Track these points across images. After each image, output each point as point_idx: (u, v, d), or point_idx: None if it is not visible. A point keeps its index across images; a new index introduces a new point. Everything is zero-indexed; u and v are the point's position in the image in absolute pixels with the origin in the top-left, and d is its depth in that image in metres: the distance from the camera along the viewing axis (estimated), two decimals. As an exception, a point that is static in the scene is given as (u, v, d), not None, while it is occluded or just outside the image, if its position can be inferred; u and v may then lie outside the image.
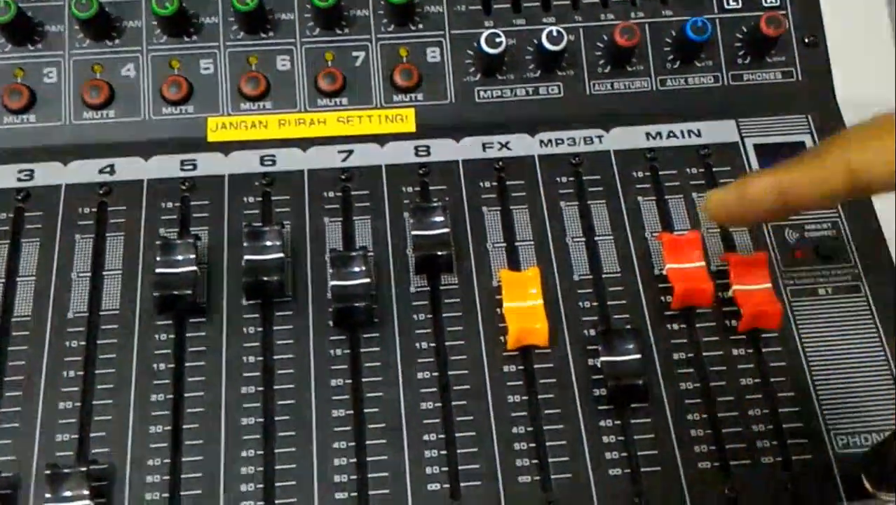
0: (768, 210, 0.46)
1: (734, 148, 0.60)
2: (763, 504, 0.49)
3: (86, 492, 0.46)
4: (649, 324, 0.54)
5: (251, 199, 0.57)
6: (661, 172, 0.59)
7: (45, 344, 0.52)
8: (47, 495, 0.46)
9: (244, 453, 0.49)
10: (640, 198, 0.58)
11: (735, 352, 0.53)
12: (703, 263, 0.54)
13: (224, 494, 0.48)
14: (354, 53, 0.62)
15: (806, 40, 0.63)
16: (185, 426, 0.50)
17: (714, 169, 0.59)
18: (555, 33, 0.59)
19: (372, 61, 0.62)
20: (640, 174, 0.59)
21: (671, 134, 0.61)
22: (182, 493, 0.48)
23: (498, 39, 0.59)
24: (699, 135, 0.61)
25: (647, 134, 0.60)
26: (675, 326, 0.54)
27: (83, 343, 0.52)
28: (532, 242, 0.56)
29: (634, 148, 0.60)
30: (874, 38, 0.65)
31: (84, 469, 0.46)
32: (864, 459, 0.49)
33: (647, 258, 0.56)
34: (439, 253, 0.54)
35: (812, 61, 0.63)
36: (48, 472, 0.46)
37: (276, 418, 0.50)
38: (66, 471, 0.46)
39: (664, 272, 0.55)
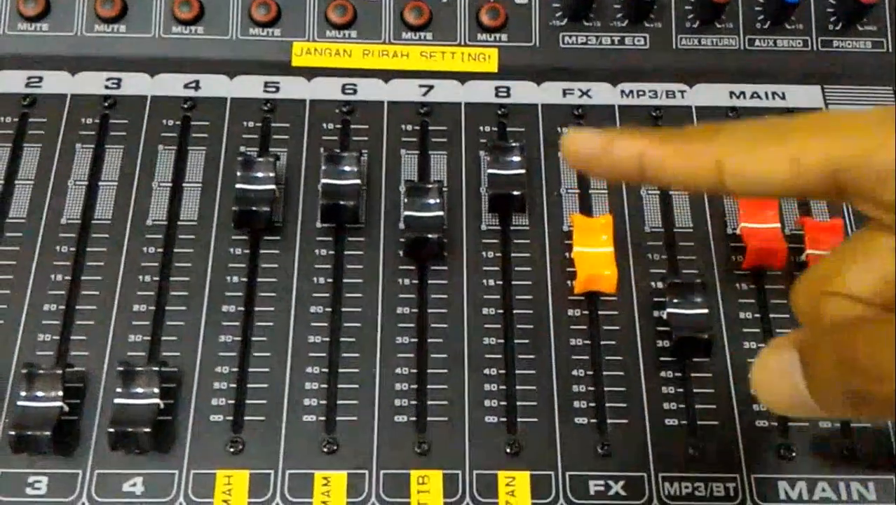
0: (626, 175, 0.38)
1: (818, 114, 0.59)
2: (819, 466, 0.49)
3: (156, 390, 0.47)
4: (718, 281, 0.54)
5: (331, 126, 0.58)
6: (741, 132, 0.58)
7: (123, 248, 0.53)
8: (118, 390, 0.47)
9: (309, 369, 0.50)
10: (718, 155, 0.57)
11: (802, 316, 0.53)
12: (778, 225, 0.54)
13: (287, 407, 0.49)
14: (442, -11, 0.62)
15: (900, 11, 0.62)
16: (253, 338, 0.51)
17: (796, 133, 0.58)
18: (647, -18, 0.59)
19: (459, -1, 0.62)
20: (721, 132, 0.58)
21: (755, 95, 0.60)
22: (247, 401, 0.49)
23: (589, -15, 0.59)
24: (783, 98, 0.60)
25: (731, 93, 0.60)
26: (745, 286, 0.53)
27: (160, 250, 0.53)
28: (605, 191, 0.56)
29: (717, 105, 0.59)
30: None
31: (156, 368, 0.47)
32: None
33: (720, 216, 0.56)
34: (513, 193, 0.54)
35: (904, 34, 0.62)
36: (120, 368, 0.47)
37: (342, 339, 0.51)
38: (137, 369, 0.48)
39: (738, 231, 0.54)
